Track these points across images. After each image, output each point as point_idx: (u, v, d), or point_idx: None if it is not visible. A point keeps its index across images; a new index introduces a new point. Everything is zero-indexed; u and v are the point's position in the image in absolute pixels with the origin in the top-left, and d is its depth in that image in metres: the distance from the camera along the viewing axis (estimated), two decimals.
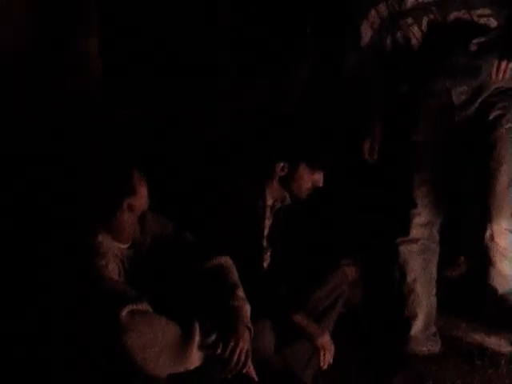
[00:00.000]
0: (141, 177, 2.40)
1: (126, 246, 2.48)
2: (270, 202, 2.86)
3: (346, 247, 3.34)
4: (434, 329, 3.14)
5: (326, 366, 2.71)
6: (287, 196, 2.85)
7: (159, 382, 2.24)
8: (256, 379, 2.38)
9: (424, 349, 3.08)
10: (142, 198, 2.41)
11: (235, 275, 2.53)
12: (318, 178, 2.81)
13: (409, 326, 3.08)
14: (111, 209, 2.39)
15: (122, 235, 2.45)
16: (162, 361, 2.21)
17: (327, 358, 2.69)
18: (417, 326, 3.08)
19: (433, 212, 3.06)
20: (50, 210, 2.81)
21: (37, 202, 2.93)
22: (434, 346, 3.10)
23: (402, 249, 3.07)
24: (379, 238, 3.29)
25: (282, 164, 2.77)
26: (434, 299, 3.14)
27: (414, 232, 3.06)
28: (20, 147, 2.98)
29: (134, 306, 2.20)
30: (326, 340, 2.68)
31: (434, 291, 3.13)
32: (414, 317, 3.08)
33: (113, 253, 2.42)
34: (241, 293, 2.46)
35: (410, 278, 3.07)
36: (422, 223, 3.05)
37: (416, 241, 3.06)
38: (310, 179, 2.80)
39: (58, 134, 3.07)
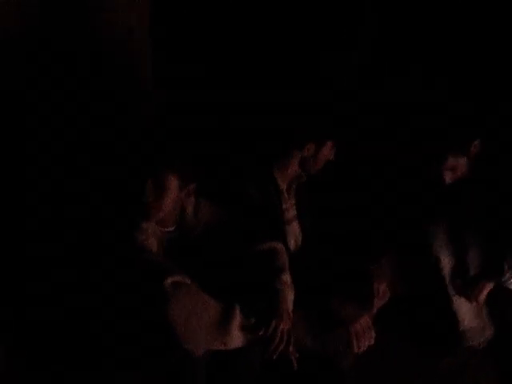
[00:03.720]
0: (171, 172, 2.42)
1: (169, 229, 2.53)
2: (283, 185, 2.86)
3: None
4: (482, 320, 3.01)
5: (359, 352, 2.66)
6: (303, 174, 2.86)
7: (197, 359, 2.28)
8: (295, 365, 2.39)
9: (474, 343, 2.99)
10: (171, 192, 2.43)
11: (284, 260, 2.54)
12: (331, 152, 2.83)
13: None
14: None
15: (164, 220, 2.49)
16: (202, 336, 2.24)
17: (362, 344, 2.65)
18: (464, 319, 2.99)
19: None
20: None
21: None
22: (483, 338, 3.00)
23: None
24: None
25: (309, 145, 2.77)
26: None
27: None
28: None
29: (178, 278, 2.25)
30: (362, 325, 2.65)
31: None
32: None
33: (156, 235, 2.47)
34: (287, 278, 2.47)
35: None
36: None
37: None
38: (329, 155, 2.83)
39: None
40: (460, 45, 3.62)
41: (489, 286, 2.89)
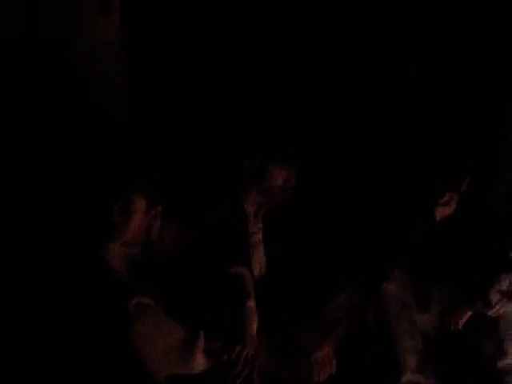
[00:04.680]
0: (138, 193, 2.40)
1: (134, 250, 2.49)
2: (250, 209, 2.85)
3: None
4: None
5: (319, 381, 2.64)
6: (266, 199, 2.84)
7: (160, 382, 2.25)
8: None
9: None
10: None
11: (250, 285, 2.53)
12: (288, 176, 2.78)
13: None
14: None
15: (130, 241, 2.46)
16: (165, 359, 2.22)
17: (323, 374, 2.64)
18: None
19: None
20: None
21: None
22: None
23: None
24: None
25: (247, 162, 2.77)
26: None
27: None
28: None
29: (142, 299, 2.23)
30: (322, 356, 2.64)
31: None
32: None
33: (121, 256, 2.44)
34: (252, 303, 2.46)
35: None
36: None
37: None
38: (280, 178, 2.78)
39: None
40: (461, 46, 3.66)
41: (469, 313, 2.91)
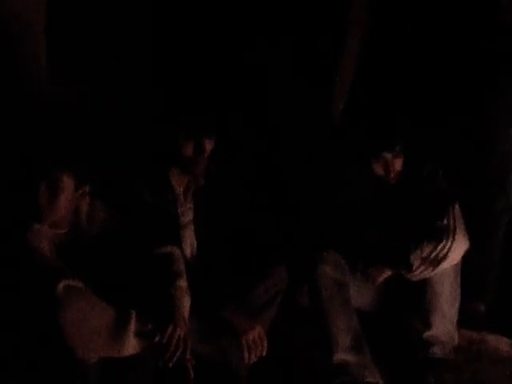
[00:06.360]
0: (66, 172, 2.36)
1: (62, 231, 2.46)
2: (179, 189, 2.81)
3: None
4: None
5: (249, 363, 2.61)
6: (201, 178, 2.80)
7: (89, 366, 2.21)
8: (192, 372, 2.34)
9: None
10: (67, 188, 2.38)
11: (181, 265, 2.50)
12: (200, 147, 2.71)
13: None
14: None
15: (57, 222, 2.42)
16: (95, 342, 2.17)
17: (253, 356, 2.59)
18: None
19: None
20: None
21: None
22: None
23: None
24: None
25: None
26: None
27: None
28: None
29: (71, 281, 2.17)
30: (252, 336, 2.59)
31: None
32: None
33: (49, 237, 2.40)
34: (183, 283, 2.43)
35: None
36: None
37: None
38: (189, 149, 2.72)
39: None
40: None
41: (388, 272, 2.98)
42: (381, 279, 2.99)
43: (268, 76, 3.66)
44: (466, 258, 2.98)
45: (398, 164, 2.98)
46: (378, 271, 2.98)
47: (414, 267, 2.88)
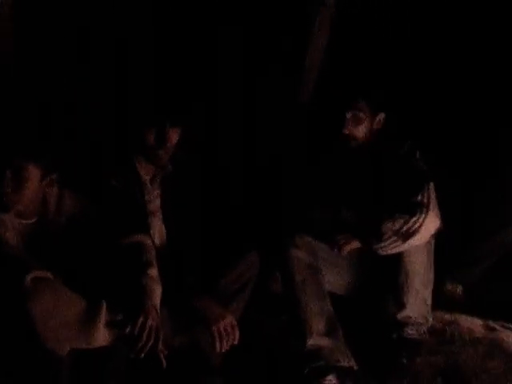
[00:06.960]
0: (31, 161, 2.33)
1: (30, 221, 2.43)
2: (146, 177, 2.78)
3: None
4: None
5: (221, 351, 2.56)
6: (169, 165, 2.78)
7: (61, 358, 2.19)
8: (164, 363, 2.31)
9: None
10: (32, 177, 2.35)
11: (151, 254, 2.49)
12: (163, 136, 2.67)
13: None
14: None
15: (24, 212, 2.40)
16: (65, 334, 2.15)
17: (224, 345, 2.55)
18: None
19: None
20: None
21: None
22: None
23: None
24: None
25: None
26: None
27: None
28: None
29: (39, 273, 2.15)
30: (223, 325, 2.55)
31: None
32: None
33: (15, 228, 2.38)
34: (154, 272, 2.41)
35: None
36: None
37: None
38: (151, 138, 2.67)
39: None
40: None
41: (356, 243, 2.94)
42: (348, 248, 2.93)
43: (235, 64, 3.62)
44: (438, 240, 2.98)
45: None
46: (345, 240, 2.94)
47: (383, 237, 2.87)
